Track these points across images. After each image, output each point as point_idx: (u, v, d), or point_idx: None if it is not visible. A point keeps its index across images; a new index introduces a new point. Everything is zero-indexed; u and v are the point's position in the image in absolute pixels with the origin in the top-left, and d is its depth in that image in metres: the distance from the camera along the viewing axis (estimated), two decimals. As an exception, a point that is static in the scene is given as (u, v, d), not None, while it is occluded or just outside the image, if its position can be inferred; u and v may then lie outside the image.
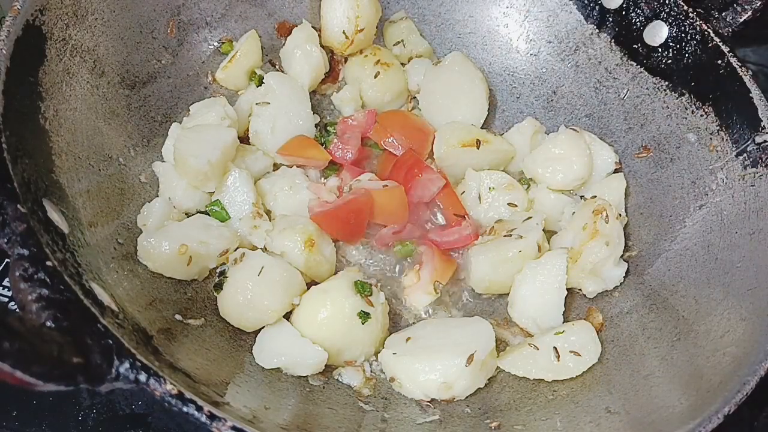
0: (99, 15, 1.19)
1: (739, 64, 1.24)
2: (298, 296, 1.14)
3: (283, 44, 1.45)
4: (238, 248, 1.19)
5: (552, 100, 1.51)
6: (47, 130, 1.04)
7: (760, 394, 0.93)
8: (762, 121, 1.18)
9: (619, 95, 1.42)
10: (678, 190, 1.29)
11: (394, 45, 1.55)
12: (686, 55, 1.32)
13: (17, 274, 0.76)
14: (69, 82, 1.11)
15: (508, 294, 1.24)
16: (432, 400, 1.12)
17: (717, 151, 1.24)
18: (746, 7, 1.26)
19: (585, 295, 1.26)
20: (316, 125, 1.39)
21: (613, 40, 1.44)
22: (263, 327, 1.13)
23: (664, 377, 1.07)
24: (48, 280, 0.77)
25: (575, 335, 1.15)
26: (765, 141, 1.17)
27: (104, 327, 0.78)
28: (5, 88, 0.93)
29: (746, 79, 1.22)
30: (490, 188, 1.33)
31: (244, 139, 1.35)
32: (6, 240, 0.79)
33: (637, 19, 1.39)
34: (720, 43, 1.27)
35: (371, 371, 1.16)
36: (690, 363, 1.06)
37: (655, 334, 1.16)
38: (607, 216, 1.22)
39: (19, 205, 0.82)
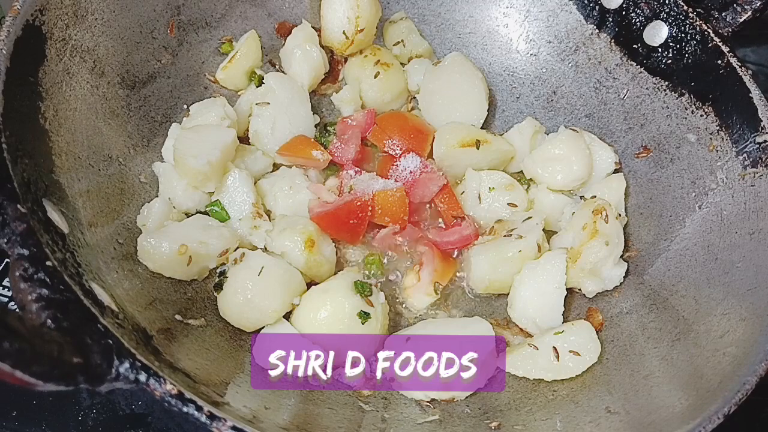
0: (99, 15, 1.19)
1: (739, 64, 1.24)
2: (298, 296, 1.14)
3: (283, 44, 1.45)
4: (238, 248, 1.19)
5: (552, 100, 1.51)
6: (47, 130, 1.04)
7: (761, 393, 0.94)
8: (762, 121, 1.18)
9: (619, 95, 1.42)
10: (678, 190, 1.29)
11: (394, 45, 1.54)
12: (686, 55, 1.32)
13: (17, 274, 0.76)
14: (69, 82, 1.11)
15: (508, 294, 1.24)
16: (432, 400, 1.12)
17: (717, 151, 1.24)
18: (746, 7, 1.26)
19: (585, 295, 1.26)
20: (316, 125, 1.39)
21: (613, 40, 1.44)
22: (263, 327, 1.13)
23: (664, 377, 1.07)
24: (48, 280, 0.77)
25: (575, 335, 1.15)
26: (765, 141, 1.17)
27: (104, 327, 0.78)
28: (5, 88, 0.93)
29: (746, 79, 1.22)
30: (490, 188, 1.33)
31: (244, 139, 1.35)
32: (6, 240, 0.79)
33: (637, 19, 1.39)
34: (720, 43, 1.27)
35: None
36: (690, 363, 1.06)
37: (655, 334, 1.16)
38: (606, 216, 1.22)
39: (19, 205, 0.82)
